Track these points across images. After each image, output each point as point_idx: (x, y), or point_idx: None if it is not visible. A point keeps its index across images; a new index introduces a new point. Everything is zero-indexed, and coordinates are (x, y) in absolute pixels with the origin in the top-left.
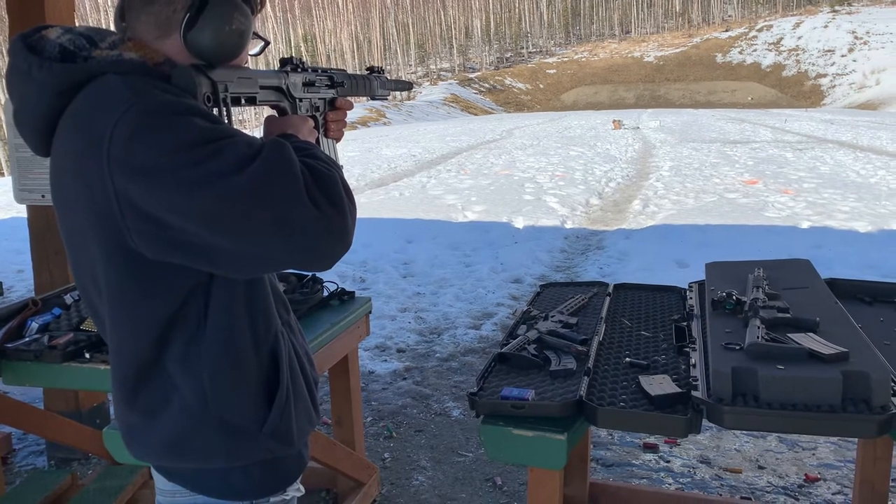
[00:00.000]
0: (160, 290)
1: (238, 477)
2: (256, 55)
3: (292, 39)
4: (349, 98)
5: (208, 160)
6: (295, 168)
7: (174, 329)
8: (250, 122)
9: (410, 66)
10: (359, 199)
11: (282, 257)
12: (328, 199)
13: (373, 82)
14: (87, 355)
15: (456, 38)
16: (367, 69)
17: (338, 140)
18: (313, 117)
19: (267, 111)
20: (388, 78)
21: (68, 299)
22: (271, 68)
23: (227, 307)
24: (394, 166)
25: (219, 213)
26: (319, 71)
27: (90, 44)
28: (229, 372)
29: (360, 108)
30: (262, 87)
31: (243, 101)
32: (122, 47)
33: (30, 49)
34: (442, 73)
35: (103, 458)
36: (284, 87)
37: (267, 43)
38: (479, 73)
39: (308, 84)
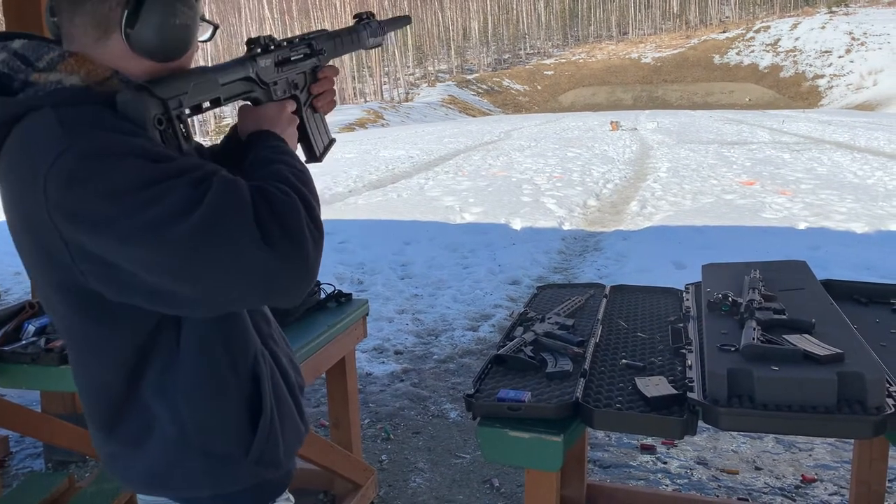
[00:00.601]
0: (124, 326)
1: (225, 500)
2: (207, 41)
3: None
4: (333, 64)
5: (149, 207)
6: (245, 209)
7: (146, 360)
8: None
9: (408, 67)
10: (357, 201)
11: (241, 297)
12: (284, 233)
13: (360, 33)
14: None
15: (454, 40)
16: (355, 16)
17: (327, 112)
18: (293, 97)
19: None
20: (378, 22)
21: None
22: (237, 56)
23: (201, 336)
24: (391, 168)
25: (167, 262)
26: (296, 41)
27: (26, 64)
28: (208, 400)
29: (357, 109)
30: (224, 84)
31: (206, 107)
32: (62, 66)
33: None
34: (440, 74)
35: (101, 460)
36: (253, 75)
37: (216, 27)
38: (476, 75)
39: (282, 63)
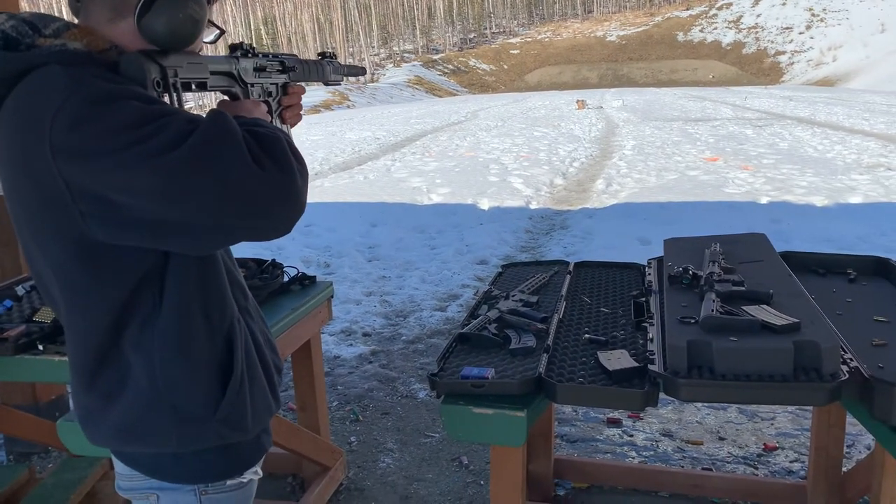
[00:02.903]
0: (114, 274)
1: (192, 461)
2: (212, 42)
3: (252, 23)
4: (302, 83)
5: (149, 138)
6: (235, 134)
7: (129, 313)
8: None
9: (373, 47)
10: (323, 184)
11: (233, 224)
12: (274, 161)
13: (325, 67)
14: (41, 347)
15: (419, 19)
16: (319, 55)
17: (294, 125)
18: (266, 102)
19: (218, 98)
20: (341, 63)
21: (20, 291)
22: (220, 54)
23: (182, 293)
24: (358, 150)
25: (164, 187)
26: (270, 56)
27: (33, 31)
28: (181, 358)
29: (322, 91)
30: (212, 73)
31: (194, 87)
32: (66, 35)
33: None
34: (405, 54)
35: (63, 451)
36: (235, 72)
37: (222, 31)
38: (442, 55)
39: (259, 69)
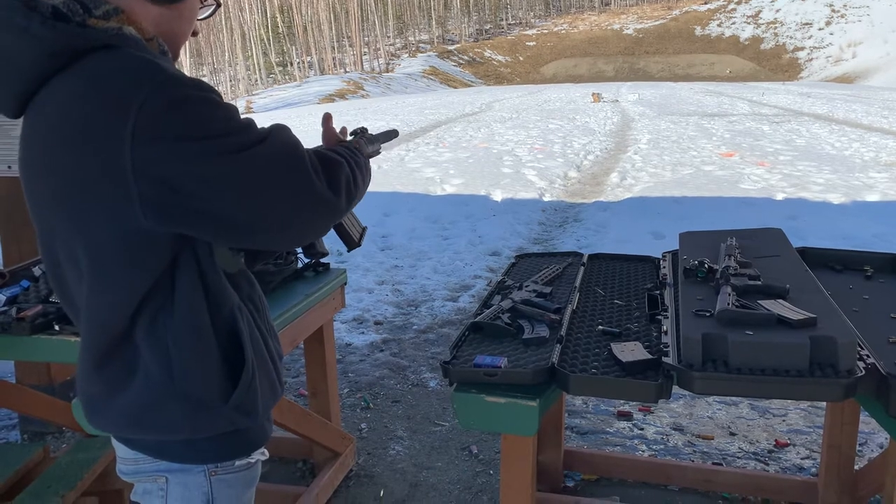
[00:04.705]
0: (147, 260)
1: (202, 444)
2: (207, 18)
3: (268, 10)
4: None
5: (236, 134)
6: (299, 145)
7: (146, 302)
8: None
9: (389, 37)
10: None
11: (283, 223)
12: (328, 179)
13: (360, 143)
14: (57, 327)
15: (435, 10)
16: (351, 133)
17: None
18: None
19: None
20: (372, 134)
21: (37, 271)
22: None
23: (189, 281)
24: None
25: (236, 180)
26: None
27: (84, 10)
28: (193, 345)
29: (337, 80)
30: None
31: None
32: (116, 19)
33: (26, 5)
34: (421, 44)
35: (77, 431)
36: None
37: (218, 5)
38: (458, 46)
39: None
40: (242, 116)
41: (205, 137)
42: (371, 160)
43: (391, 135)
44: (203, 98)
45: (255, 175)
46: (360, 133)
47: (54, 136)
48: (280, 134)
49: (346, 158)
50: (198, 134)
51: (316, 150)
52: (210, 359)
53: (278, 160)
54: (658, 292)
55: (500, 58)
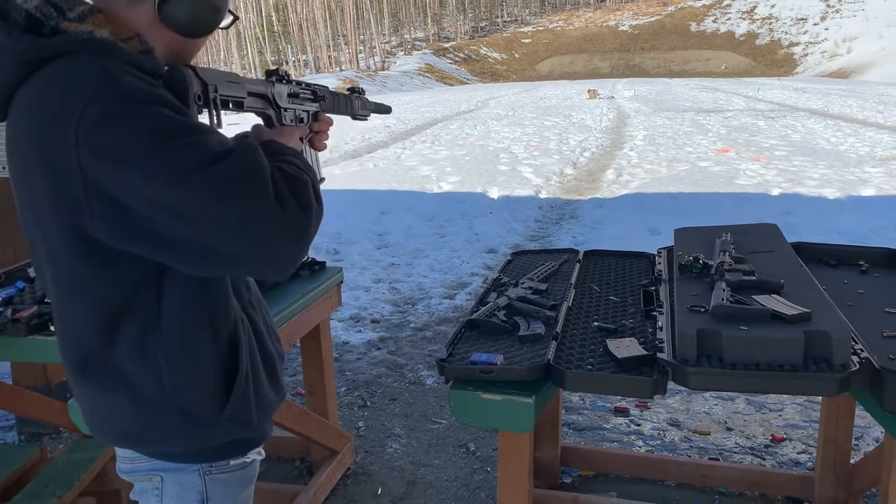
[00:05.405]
0: (109, 275)
1: (198, 453)
2: (226, 28)
3: (263, 9)
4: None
5: (180, 152)
6: (264, 170)
7: (126, 320)
8: None
9: (384, 35)
10: (333, 171)
11: (236, 254)
12: (297, 200)
13: (353, 102)
14: (52, 328)
15: (430, 7)
16: (349, 90)
17: (320, 150)
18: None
19: (252, 119)
20: (369, 100)
21: (32, 272)
22: (258, 77)
23: (183, 297)
24: (368, 137)
25: (186, 206)
26: (304, 84)
27: (58, 12)
28: (186, 361)
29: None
30: (249, 94)
31: (231, 105)
32: (91, 21)
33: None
34: (416, 42)
35: (73, 431)
36: (270, 95)
37: (236, 18)
38: (453, 43)
39: (292, 95)
40: (209, 129)
41: (149, 155)
42: (369, 158)
43: (384, 108)
44: (148, 113)
45: (210, 199)
46: (359, 93)
47: (17, 145)
48: (243, 152)
49: (303, 170)
50: (140, 151)
51: (278, 167)
52: (206, 372)
53: (238, 183)
54: (653, 288)
55: (495, 55)
